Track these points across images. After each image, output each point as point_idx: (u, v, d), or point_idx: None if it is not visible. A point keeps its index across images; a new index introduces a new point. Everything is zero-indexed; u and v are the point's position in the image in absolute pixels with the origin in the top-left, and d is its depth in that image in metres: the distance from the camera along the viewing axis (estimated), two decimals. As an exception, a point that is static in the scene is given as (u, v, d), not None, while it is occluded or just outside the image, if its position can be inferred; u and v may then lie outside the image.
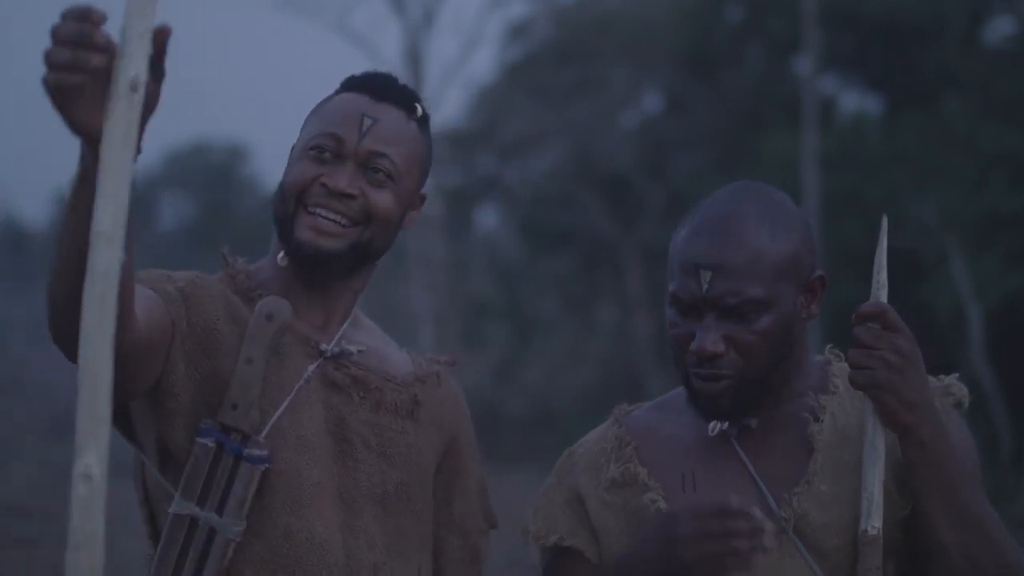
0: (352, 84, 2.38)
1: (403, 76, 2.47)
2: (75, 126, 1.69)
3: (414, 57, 22.52)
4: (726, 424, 2.32)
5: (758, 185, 2.35)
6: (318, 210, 2.29)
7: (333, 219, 2.29)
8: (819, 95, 18.80)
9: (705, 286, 2.24)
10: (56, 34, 1.66)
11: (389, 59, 21.77)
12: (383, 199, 2.31)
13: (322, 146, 2.30)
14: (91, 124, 1.67)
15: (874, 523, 2.19)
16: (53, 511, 13.94)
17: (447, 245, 23.33)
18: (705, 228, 2.27)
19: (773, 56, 21.14)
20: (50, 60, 1.66)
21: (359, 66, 2.42)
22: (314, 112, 2.37)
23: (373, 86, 2.36)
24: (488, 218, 28.91)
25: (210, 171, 43.61)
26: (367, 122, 2.32)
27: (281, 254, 2.33)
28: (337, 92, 2.39)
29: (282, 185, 2.33)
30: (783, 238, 2.27)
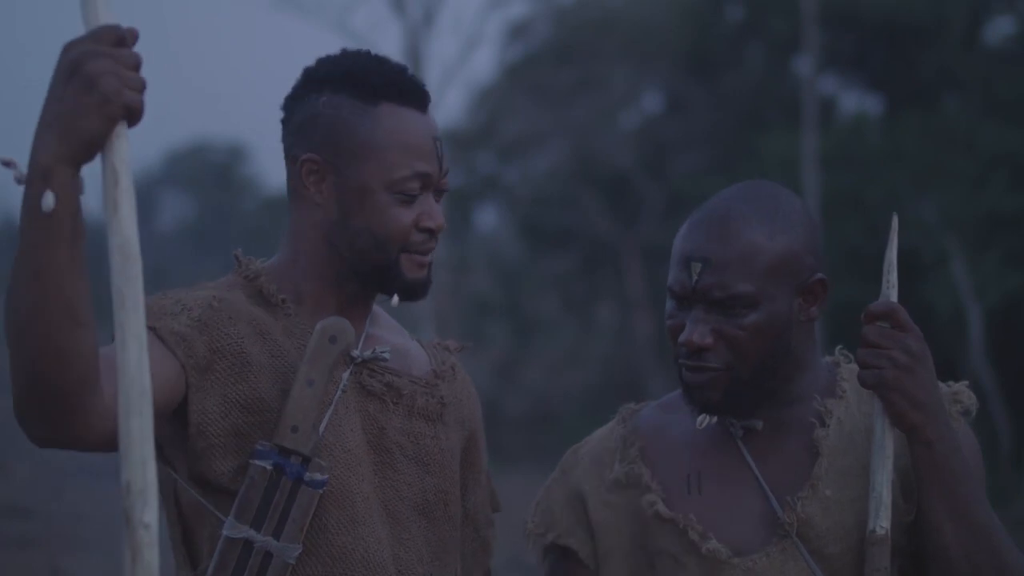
0: (389, 94, 2.28)
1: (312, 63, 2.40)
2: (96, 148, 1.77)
3: (414, 57, 22.51)
4: (715, 419, 2.31)
5: (766, 185, 2.35)
6: (419, 255, 2.28)
7: (426, 254, 2.29)
8: (819, 95, 18.79)
9: (695, 278, 2.25)
10: (132, 60, 1.78)
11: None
12: (442, 213, 2.31)
13: (414, 190, 2.26)
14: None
15: (882, 523, 2.19)
16: (53, 511, 13.94)
17: (447, 245, 23.32)
18: (702, 223, 2.29)
19: (773, 56, 21.14)
20: (136, 85, 1.77)
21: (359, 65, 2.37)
22: (371, 141, 2.25)
23: (412, 93, 2.29)
24: (488, 218, 28.90)
25: (210, 171, 43.62)
26: (438, 145, 2.29)
27: (395, 298, 2.30)
28: (372, 102, 2.26)
29: (378, 233, 2.25)
30: (780, 238, 2.27)
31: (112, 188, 1.73)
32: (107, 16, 1.79)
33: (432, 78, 21.62)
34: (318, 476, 2.19)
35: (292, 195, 2.32)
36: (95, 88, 1.74)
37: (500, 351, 25.72)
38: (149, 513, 1.69)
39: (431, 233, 2.27)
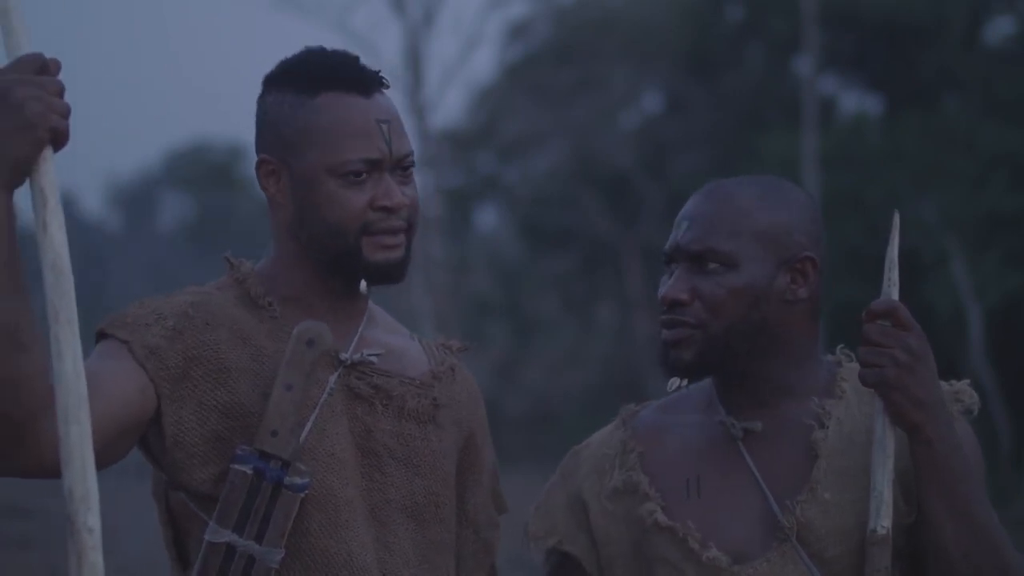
0: (329, 83, 2.27)
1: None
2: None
3: (414, 57, 22.51)
4: (685, 382, 2.32)
5: (774, 176, 2.38)
6: (381, 235, 2.25)
7: (393, 234, 2.26)
8: (819, 95, 18.80)
9: (680, 235, 2.29)
10: (56, 87, 1.89)
11: (389, 59, 21.78)
12: (414, 193, 2.29)
13: (359, 171, 2.24)
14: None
15: (883, 523, 2.18)
16: (52, 511, 13.94)
17: (447, 245, 23.32)
18: (701, 190, 2.34)
19: (773, 56, 21.15)
20: (61, 110, 1.89)
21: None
22: (311, 129, 2.24)
23: (354, 80, 2.28)
24: (488, 218, 28.92)
25: (210, 171, 43.62)
26: (384, 128, 2.26)
27: (363, 284, 2.27)
28: (312, 94, 2.26)
29: (330, 220, 2.23)
30: (771, 209, 2.28)
31: (41, 209, 1.85)
32: (28, 46, 1.90)
33: (432, 78, 21.65)
34: (298, 480, 2.18)
35: (267, 200, 2.33)
36: (21, 114, 1.86)
37: (500, 351, 25.73)
38: (92, 518, 1.80)
39: (388, 211, 2.24)
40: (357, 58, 2.31)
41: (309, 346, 2.20)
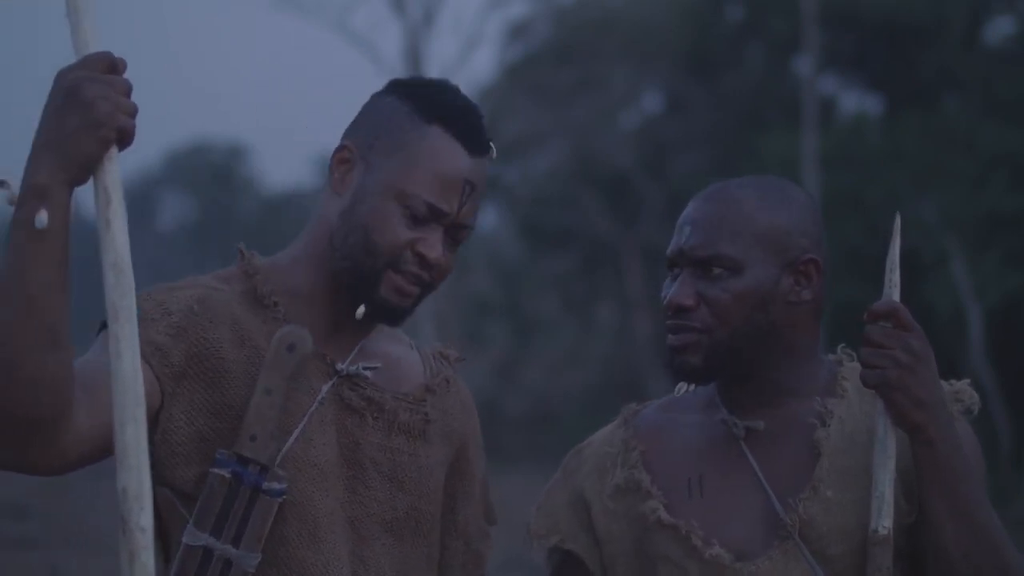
0: (448, 121, 2.27)
1: (403, 76, 2.38)
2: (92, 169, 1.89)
3: (414, 57, 22.52)
4: (692, 386, 2.34)
5: (775, 177, 2.38)
6: (404, 276, 2.24)
7: (413, 283, 2.25)
8: (819, 95, 18.81)
9: (683, 240, 2.29)
10: (124, 86, 1.90)
11: (389, 59, 21.77)
12: (452, 263, 2.28)
13: (420, 211, 2.23)
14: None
15: (885, 523, 2.18)
16: (53, 511, 13.95)
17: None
18: (702, 193, 2.34)
19: (773, 56, 21.16)
20: (129, 109, 1.90)
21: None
22: (407, 148, 2.24)
23: (467, 132, 2.28)
24: (488, 218, 28.91)
25: (210, 171, 43.68)
26: (467, 189, 2.27)
27: (361, 309, 2.25)
28: (428, 120, 2.26)
29: (371, 237, 2.22)
30: (772, 211, 2.29)
31: (104, 208, 1.85)
32: (96, 44, 1.89)
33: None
34: (276, 485, 2.18)
35: (326, 186, 2.31)
36: (90, 112, 1.87)
37: (500, 351, 25.74)
38: (145, 517, 1.80)
39: (423, 260, 2.23)
40: (482, 116, 2.33)
41: (289, 351, 2.19)
